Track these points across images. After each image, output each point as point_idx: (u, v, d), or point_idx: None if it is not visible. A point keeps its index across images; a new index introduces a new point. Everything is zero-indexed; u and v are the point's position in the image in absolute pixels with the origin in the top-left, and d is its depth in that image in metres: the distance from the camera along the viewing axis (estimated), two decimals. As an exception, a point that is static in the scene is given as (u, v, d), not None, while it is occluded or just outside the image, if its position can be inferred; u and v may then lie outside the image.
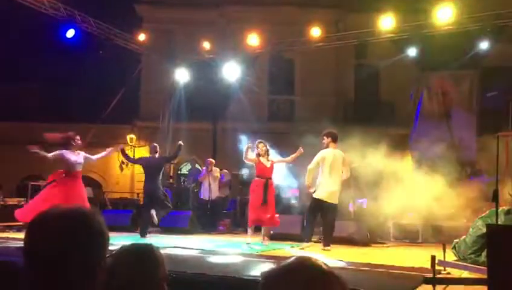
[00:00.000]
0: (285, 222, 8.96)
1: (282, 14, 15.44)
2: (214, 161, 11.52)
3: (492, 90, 9.99)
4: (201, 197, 11.25)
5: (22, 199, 11.00)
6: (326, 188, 7.46)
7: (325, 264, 1.01)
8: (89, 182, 15.09)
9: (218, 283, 4.55)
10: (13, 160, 15.28)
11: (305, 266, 1.01)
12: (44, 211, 1.23)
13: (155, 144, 9.31)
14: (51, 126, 15.73)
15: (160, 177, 9.09)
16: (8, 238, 8.48)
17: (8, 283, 1.99)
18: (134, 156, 13.15)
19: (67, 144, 7.57)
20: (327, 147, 7.65)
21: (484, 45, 10.43)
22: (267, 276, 1.01)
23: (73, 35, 10.43)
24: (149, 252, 1.66)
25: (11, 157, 15.28)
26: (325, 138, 7.71)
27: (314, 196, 7.47)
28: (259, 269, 5.55)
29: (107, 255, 1.25)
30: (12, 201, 10.97)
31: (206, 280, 4.65)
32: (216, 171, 11.32)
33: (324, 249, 7.13)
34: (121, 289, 1.49)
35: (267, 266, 5.71)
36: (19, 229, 9.97)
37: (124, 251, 1.61)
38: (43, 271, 1.15)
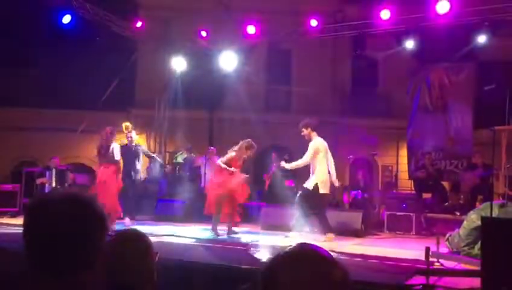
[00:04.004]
0: (279, 212, 8.99)
1: (281, 3, 15.35)
2: (214, 150, 11.45)
3: (489, 84, 9.96)
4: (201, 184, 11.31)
5: (16, 185, 10.96)
6: (325, 180, 7.46)
7: (326, 250, 1.01)
8: (85, 169, 15.07)
9: (214, 272, 4.56)
10: (7, 146, 15.23)
11: (307, 252, 1.01)
12: (43, 195, 1.23)
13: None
14: (45, 112, 15.73)
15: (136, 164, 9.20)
16: (1, 223, 8.49)
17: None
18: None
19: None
20: (309, 137, 7.55)
21: (482, 39, 10.42)
22: (270, 263, 1.01)
23: (70, 21, 10.32)
24: (143, 237, 1.68)
25: (5, 143, 15.22)
26: (304, 129, 7.51)
27: (321, 191, 7.41)
28: (253, 259, 5.57)
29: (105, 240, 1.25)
30: (6, 187, 10.92)
31: (202, 268, 4.66)
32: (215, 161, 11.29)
33: (326, 240, 7.10)
34: (121, 273, 1.51)
35: (262, 256, 5.73)
36: (13, 215, 9.96)
37: (121, 236, 1.63)
38: (43, 255, 1.14)
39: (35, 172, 11.20)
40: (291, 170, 8.48)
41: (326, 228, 7.35)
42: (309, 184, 7.42)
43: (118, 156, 8.29)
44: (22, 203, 10.51)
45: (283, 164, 7.96)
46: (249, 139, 7.98)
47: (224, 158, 7.97)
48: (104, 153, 8.11)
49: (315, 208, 7.39)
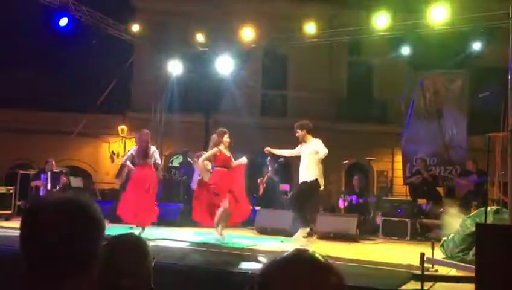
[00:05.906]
0: (275, 216, 8.99)
1: (278, 8, 15.41)
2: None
3: (484, 91, 10.03)
4: (191, 185, 11.31)
5: (11, 188, 10.89)
6: (322, 178, 7.56)
7: (322, 256, 1.02)
8: (79, 172, 15.03)
9: (209, 276, 4.56)
10: (2, 148, 15.15)
11: (303, 258, 1.01)
12: (40, 199, 1.24)
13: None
14: (41, 114, 15.67)
15: None
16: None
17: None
18: (125, 148, 13.10)
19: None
20: (303, 140, 7.59)
21: (477, 46, 10.48)
22: (266, 268, 1.01)
23: (66, 24, 10.32)
24: (141, 242, 1.69)
25: (0, 146, 15.15)
26: (299, 130, 7.59)
27: (321, 186, 7.50)
28: (248, 263, 5.58)
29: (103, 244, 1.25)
30: (0, 189, 10.85)
31: (197, 272, 4.66)
32: (207, 165, 11.29)
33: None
34: (117, 277, 1.52)
35: (256, 260, 5.74)
36: (7, 217, 9.91)
37: (119, 240, 1.63)
38: (39, 259, 1.14)
39: (30, 174, 11.15)
40: (286, 175, 8.53)
41: (308, 225, 7.46)
42: (310, 177, 7.46)
43: (159, 159, 8.57)
44: (17, 206, 10.46)
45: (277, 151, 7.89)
46: (218, 129, 7.96)
47: (208, 157, 7.84)
48: (143, 154, 8.19)
49: (311, 202, 7.48)
